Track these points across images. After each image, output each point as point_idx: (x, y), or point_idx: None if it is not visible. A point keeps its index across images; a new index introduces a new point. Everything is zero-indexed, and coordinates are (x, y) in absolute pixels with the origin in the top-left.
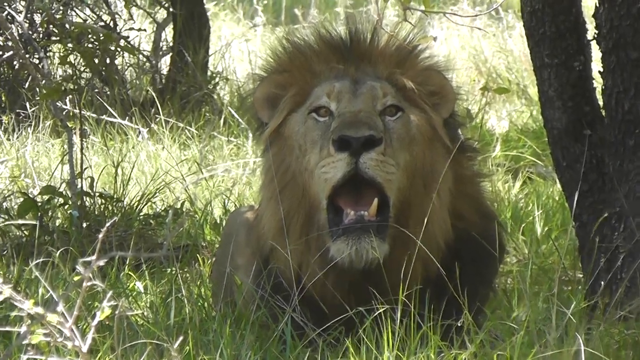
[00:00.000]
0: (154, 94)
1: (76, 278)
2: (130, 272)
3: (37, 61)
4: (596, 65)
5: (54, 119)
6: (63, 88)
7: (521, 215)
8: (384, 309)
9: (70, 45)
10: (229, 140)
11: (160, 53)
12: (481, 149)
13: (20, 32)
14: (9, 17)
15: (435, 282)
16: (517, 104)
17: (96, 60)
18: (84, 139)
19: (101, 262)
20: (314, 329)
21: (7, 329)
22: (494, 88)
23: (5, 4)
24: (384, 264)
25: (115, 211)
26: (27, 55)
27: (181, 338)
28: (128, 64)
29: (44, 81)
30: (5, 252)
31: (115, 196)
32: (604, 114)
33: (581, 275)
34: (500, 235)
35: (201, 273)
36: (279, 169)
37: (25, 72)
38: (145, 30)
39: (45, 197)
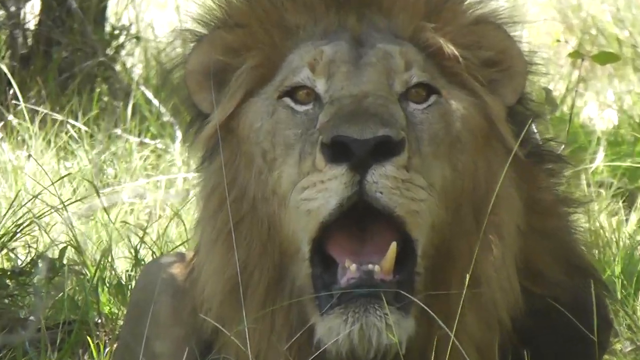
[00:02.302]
0: (13, 63)
1: None
2: None
3: None
4: None
5: None
6: None
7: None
8: None
9: None
10: (142, 142)
11: None
12: (570, 158)
13: None
14: None
15: None
16: (633, 80)
17: None
18: None
19: None
20: None
21: None
22: (592, 54)
23: None
24: (406, 354)
25: None
26: None
27: None
28: None
29: None
30: None
31: None
32: None
33: None
34: (602, 305)
35: None
36: (229, 192)
37: None
38: None
39: None
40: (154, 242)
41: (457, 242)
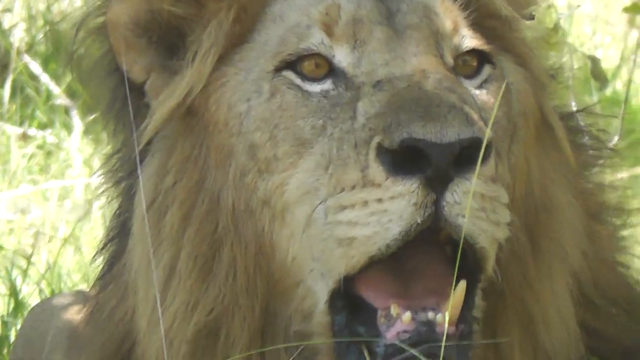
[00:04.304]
0: None
1: None
2: None
3: None
4: None
5: None
6: None
7: None
8: None
9: None
10: (25, 134)
11: None
12: (627, 154)
13: None
14: None
15: None
16: None
17: None
18: None
19: None
20: None
21: None
22: None
23: None
24: None
25: None
26: None
27: None
28: None
29: None
30: None
31: None
32: None
33: None
34: None
35: None
36: (194, 201)
37: None
38: None
39: None
40: (42, 275)
41: (509, 271)
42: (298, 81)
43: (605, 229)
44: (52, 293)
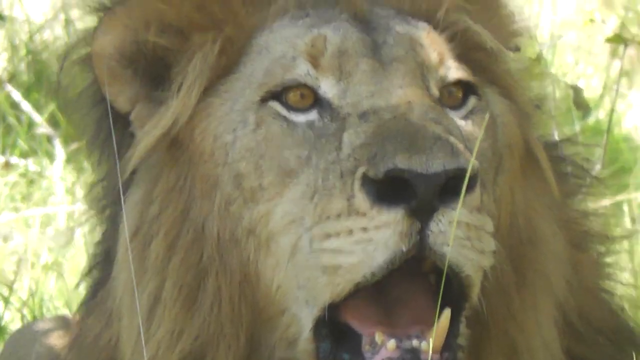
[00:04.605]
0: None
1: None
2: None
3: None
4: None
5: None
6: None
7: None
8: None
9: None
10: (7, 163)
11: None
12: (609, 183)
13: None
14: None
15: None
16: None
17: None
18: None
19: None
20: None
21: None
22: (639, 38)
23: None
24: None
25: None
26: None
27: None
28: None
29: None
30: None
31: None
32: None
33: None
34: None
35: None
36: (179, 231)
37: None
38: None
39: None
40: (24, 302)
41: (493, 302)
42: (284, 112)
43: (589, 257)
44: (34, 319)
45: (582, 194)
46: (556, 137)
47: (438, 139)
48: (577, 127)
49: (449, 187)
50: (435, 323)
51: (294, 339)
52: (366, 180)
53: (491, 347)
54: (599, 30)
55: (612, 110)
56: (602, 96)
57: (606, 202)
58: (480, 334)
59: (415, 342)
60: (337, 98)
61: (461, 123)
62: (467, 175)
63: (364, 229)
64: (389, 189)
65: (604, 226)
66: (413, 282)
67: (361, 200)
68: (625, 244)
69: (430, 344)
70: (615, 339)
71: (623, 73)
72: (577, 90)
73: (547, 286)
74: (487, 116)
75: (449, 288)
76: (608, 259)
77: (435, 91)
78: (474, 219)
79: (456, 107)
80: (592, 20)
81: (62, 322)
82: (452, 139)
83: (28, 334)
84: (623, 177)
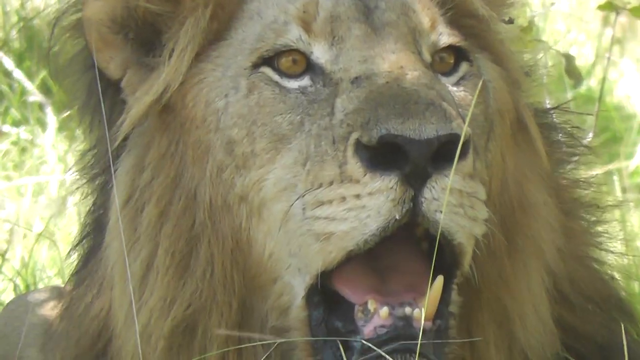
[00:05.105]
0: None
1: None
2: None
3: None
4: None
5: None
6: None
7: None
8: None
9: None
10: None
11: None
12: (601, 151)
13: None
14: None
15: None
16: None
17: None
18: None
19: None
20: None
21: None
22: (631, 5)
23: None
24: None
25: None
26: None
27: None
28: None
29: None
30: None
31: None
32: None
33: None
34: (635, 344)
35: None
36: (171, 197)
37: None
38: None
39: None
40: (17, 271)
41: (485, 268)
42: (276, 77)
43: (580, 225)
44: (27, 289)
45: (574, 163)
46: (548, 105)
47: (431, 104)
48: (569, 95)
49: (441, 153)
50: (428, 290)
51: (286, 306)
52: (359, 147)
53: (483, 314)
54: None
55: (603, 79)
56: (594, 64)
57: (597, 171)
58: (472, 301)
59: (407, 310)
60: (330, 63)
61: (453, 89)
62: (461, 141)
63: (357, 196)
64: (381, 155)
65: (594, 195)
66: (405, 249)
67: (354, 166)
68: (616, 213)
69: (422, 311)
70: (605, 307)
71: (615, 41)
72: (569, 58)
73: (537, 252)
74: (480, 82)
75: (441, 255)
76: (599, 228)
77: (427, 56)
78: (466, 186)
79: (448, 73)
80: None
81: (55, 293)
82: (444, 104)
83: (22, 305)
84: (614, 146)
